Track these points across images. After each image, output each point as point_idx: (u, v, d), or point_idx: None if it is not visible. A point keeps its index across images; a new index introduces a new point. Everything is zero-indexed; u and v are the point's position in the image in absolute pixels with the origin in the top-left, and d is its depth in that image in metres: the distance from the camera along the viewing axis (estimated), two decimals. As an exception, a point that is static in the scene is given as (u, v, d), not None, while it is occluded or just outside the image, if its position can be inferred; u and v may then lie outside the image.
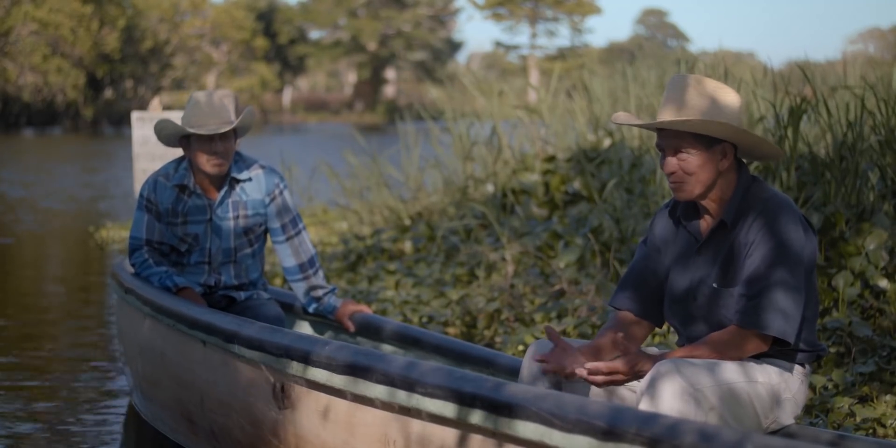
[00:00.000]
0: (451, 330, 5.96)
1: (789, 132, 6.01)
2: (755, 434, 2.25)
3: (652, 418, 2.39)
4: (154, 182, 4.52)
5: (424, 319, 6.11)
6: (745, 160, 3.21)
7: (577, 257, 6.54)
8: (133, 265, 4.56)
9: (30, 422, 4.82)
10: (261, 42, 57.84)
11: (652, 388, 2.83)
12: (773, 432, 3.07)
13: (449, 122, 9.73)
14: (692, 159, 3.04)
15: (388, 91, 66.30)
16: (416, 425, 2.93)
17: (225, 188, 4.49)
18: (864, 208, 5.59)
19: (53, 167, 22.74)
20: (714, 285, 3.08)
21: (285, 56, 62.75)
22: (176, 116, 9.19)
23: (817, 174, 5.91)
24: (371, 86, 64.10)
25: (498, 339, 5.74)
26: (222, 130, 4.33)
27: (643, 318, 3.24)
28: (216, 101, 4.39)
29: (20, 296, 8.38)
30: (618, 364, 2.96)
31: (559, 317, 5.77)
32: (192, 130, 4.35)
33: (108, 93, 50.66)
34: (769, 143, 3.07)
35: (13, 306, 7.88)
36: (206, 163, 4.39)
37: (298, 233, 4.61)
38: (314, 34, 64.52)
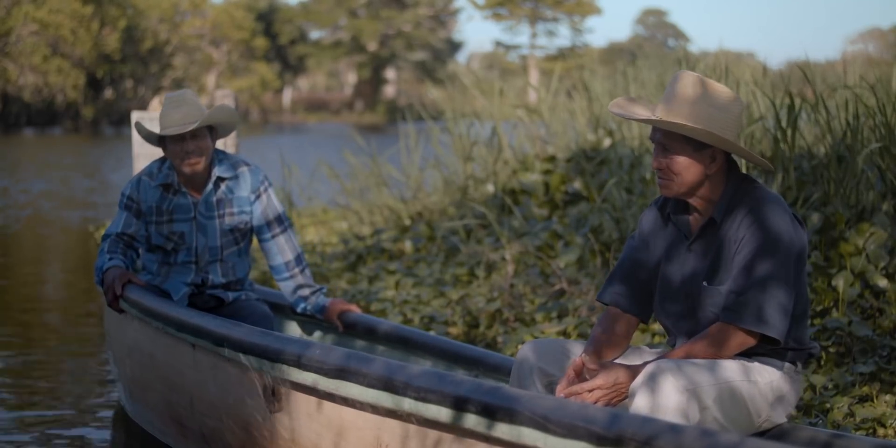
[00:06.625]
0: (452, 330, 5.95)
1: (788, 132, 6.02)
2: (752, 439, 2.24)
3: (648, 423, 2.38)
4: (138, 181, 4.53)
5: (425, 320, 6.10)
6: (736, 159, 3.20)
7: (577, 257, 6.54)
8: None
9: (16, 423, 4.81)
10: (261, 42, 57.81)
11: (650, 385, 2.83)
12: (766, 431, 3.07)
13: (449, 122, 9.73)
14: (679, 160, 3.04)
15: (389, 91, 66.27)
16: (409, 429, 2.91)
17: (210, 187, 4.48)
18: (863, 208, 5.59)
19: (54, 167, 22.73)
20: (704, 283, 3.07)
21: (285, 56, 62.75)
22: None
23: (817, 174, 5.91)
24: (371, 86, 64.08)
25: (499, 339, 5.74)
26: (186, 130, 4.33)
27: (630, 313, 3.23)
28: (184, 101, 4.38)
29: (19, 294, 8.37)
30: (597, 381, 2.95)
31: (559, 317, 5.77)
32: (160, 132, 4.38)
33: (108, 93, 50.63)
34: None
35: (12, 305, 7.88)
36: (181, 163, 4.40)
37: (284, 230, 4.60)
38: (314, 34, 64.52)
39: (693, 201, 3.11)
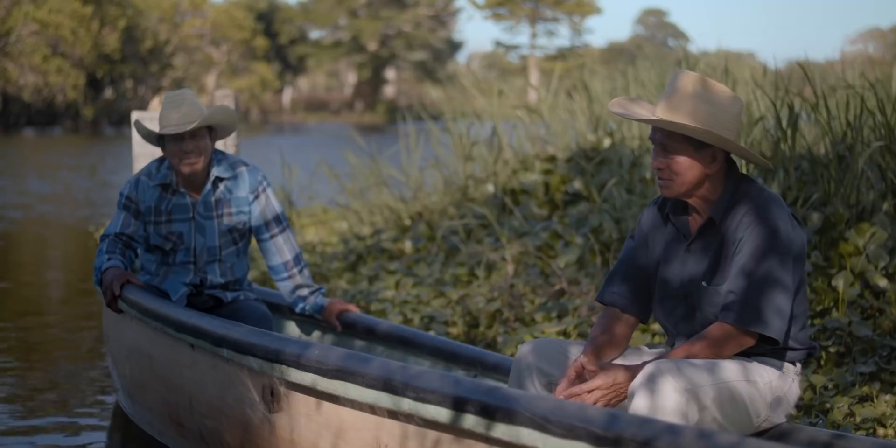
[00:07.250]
0: (452, 330, 5.95)
1: (788, 132, 6.01)
2: (751, 439, 2.24)
3: (646, 423, 2.37)
4: (136, 181, 4.53)
5: (425, 320, 6.10)
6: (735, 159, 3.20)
7: (577, 257, 6.54)
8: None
9: (15, 423, 4.80)
10: (261, 42, 57.81)
11: (649, 385, 2.82)
12: (765, 431, 3.07)
13: (449, 122, 9.72)
14: (680, 159, 3.03)
15: (388, 91, 66.28)
16: (408, 429, 2.91)
17: (208, 187, 4.48)
18: (864, 208, 5.58)
19: (54, 167, 22.72)
20: (703, 283, 3.07)
21: (285, 56, 62.74)
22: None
23: (817, 174, 5.91)
24: (371, 86, 64.08)
25: (499, 339, 5.74)
26: (185, 130, 4.32)
27: (630, 313, 3.23)
28: (183, 101, 4.38)
29: (18, 294, 8.37)
30: (596, 382, 2.94)
31: (559, 317, 5.77)
32: (159, 131, 4.38)
33: (109, 93, 50.62)
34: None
35: (12, 305, 7.87)
36: (180, 162, 4.39)
37: (283, 230, 4.59)
38: (314, 34, 64.53)
39: (692, 201, 3.10)
